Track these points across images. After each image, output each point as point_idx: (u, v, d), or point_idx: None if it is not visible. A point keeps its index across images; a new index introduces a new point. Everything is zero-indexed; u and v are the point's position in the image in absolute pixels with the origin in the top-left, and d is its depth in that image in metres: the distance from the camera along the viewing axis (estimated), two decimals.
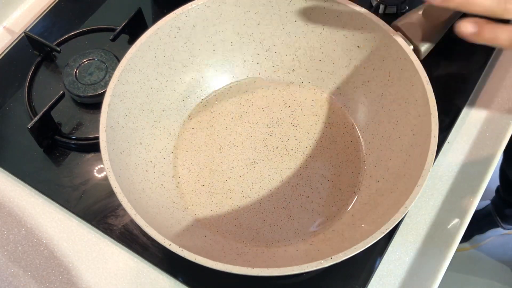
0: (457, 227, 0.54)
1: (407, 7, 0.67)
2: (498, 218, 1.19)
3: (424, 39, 0.53)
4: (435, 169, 0.57)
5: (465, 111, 0.60)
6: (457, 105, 0.60)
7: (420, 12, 0.54)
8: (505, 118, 0.60)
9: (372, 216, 0.47)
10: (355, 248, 0.41)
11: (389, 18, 0.66)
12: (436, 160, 0.57)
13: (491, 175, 0.57)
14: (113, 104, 0.49)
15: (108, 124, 0.48)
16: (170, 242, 0.41)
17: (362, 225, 0.47)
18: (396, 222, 0.42)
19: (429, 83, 0.48)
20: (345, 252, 0.40)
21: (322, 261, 0.40)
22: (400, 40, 0.51)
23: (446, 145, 0.58)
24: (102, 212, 0.54)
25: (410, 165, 0.47)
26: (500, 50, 0.65)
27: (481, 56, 0.63)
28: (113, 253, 0.53)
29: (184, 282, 0.51)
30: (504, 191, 1.13)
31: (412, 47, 0.52)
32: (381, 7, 0.66)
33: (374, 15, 0.52)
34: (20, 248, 0.54)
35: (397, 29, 0.53)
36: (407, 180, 0.46)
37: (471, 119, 0.60)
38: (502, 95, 0.62)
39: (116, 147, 0.48)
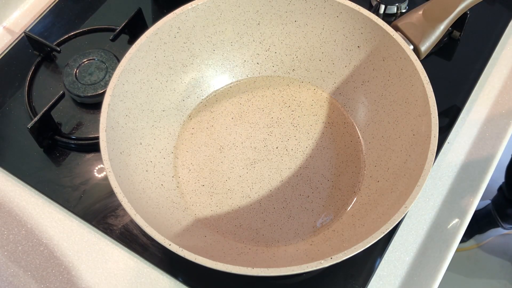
0: (457, 227, 0.54)
1: (407, 7, 0.67)
2: (498, 217, 1.19)
3: (424, 39, 0.53)
4: (435, 169, 0.57)
5: (465, 111, 0.60)
6: (457, 105, 0.60)
7: (420, 12, 0.54)
8: (505, 118, 0.60)
9: (372, 216, 0.47)
10: (355, 248, 0.41)
11: (389, 18, 0.67)
12: (436, 160, 0.57)
13: (491, 175, 0.57)
14: (113, 104, 0.49)
15: (108, 124, 0.48)
16: (170, 242, 0.41)
17: (362, 225, 0.47)
18: (396, 222, 0.42)
19: (429, 83, 0.48)
20: (345, 252, 0.40)
21: (322, 261, 0.40)
22: (400, 40, 0.51)
23: (446, 145, 0.58)
24: (102, 212, 0.54)
25: (410, 165, 0.47)
26: (500, 50, 0.65)
27: (481, 56, 0.63)
28: (113, 253, 0.53)
29: (184, 282, 0.51)
30: (508, 190, 1.12)
31: (412, 47, 0.52)
32: (381, 7, 0.66)
33: (374, 15, 0.52)
34: (20, 248, 0.54)
35: (397, 29, 0.53)
36: (407, 180, 0.46)
37: (471, 119, 0.60)
38: (502, 95, 0.62)
39: (116, 147, 0.48)
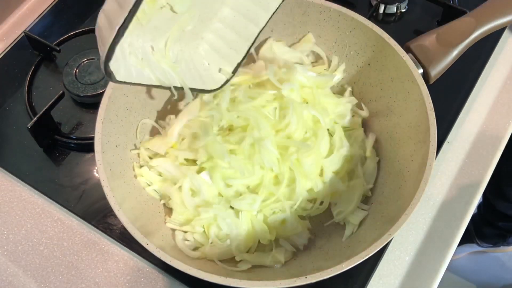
0: (456, 227, 0.54)
1: (406, 7, 0.67)
2: (475, 234, 1.16)
3: (435, 63, 0.51)
4: (435, 168, 0.57)
5: (465, 111, 0.60)
6: (457, 105, 0.60)
7: (434, 36, 0.52)
8: (505, 118, 0.60)
9: (359, 238, 0.46)
10: (331, 270, 0.40)
11: (389, 18, 0.67)
12: (436, 160, 0.57)
13: (490, 175, 0.57)
14: (114, 97, 0.48)
15: (106, 117, 0.47)
16: (146, 241, 0.41)
17: (348, 246, 0.46)
18: (377, 249, 0.41)
19: (432, 110, 0.47)
20: (321, 273, 0.40)
21: (296, 280, 0.40)
22: (409, 62, 0.49)
23: (446, 145, 0.58)
24: (102, 212, 0.54)
25: (404, 191, 0.46)
26: (500, 50, 0.65)
27: (481, 56, 0.63)
28: (113, 253, 0.53)
29: (184, 282, 0.51)
30: (486, 209, 1.10)
31: (421, 70, 0.51)
32: (381, 6, 0.66)
33: (387, 34, 0.51)
34: (20, 248, 0.54)
35: (408, 50, 0.51)
36: (399, 206, 0.45)
37: (471, 119, 0.60)
38: (502, 95, 0.62)
39: (112, 139, 0.48)
